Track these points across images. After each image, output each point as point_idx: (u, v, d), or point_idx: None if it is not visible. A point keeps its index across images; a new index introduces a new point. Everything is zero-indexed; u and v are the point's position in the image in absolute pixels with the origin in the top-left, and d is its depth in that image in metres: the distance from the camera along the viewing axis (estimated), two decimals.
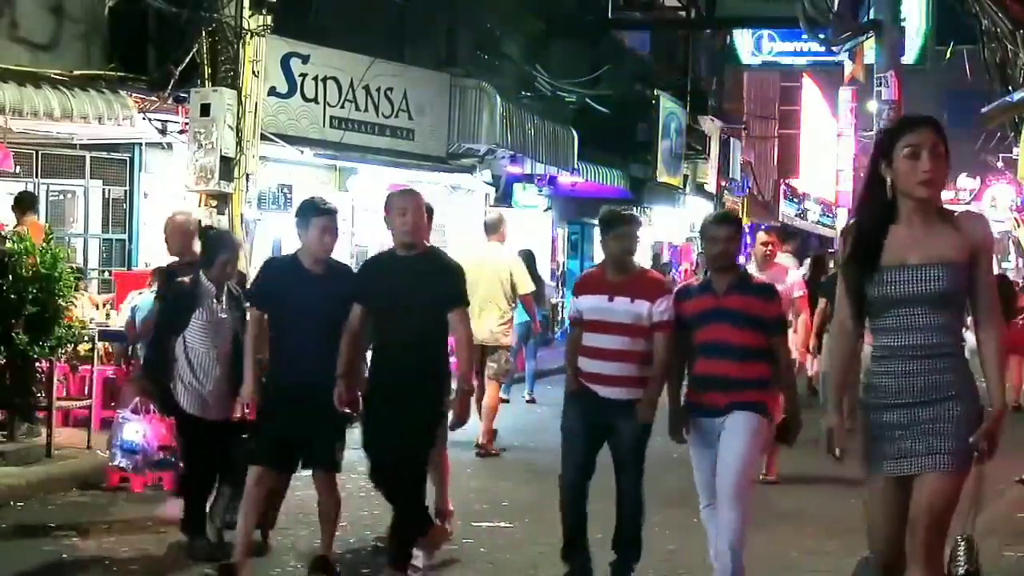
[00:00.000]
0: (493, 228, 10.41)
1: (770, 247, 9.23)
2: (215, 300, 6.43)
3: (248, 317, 6.15)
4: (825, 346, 10.29)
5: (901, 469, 3.99)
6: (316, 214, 5.92)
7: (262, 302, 6.04)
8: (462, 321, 5.88)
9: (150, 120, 11.67)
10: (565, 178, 20.13)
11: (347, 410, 5.89)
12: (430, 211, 6.70)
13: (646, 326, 5.79)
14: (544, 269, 22.36)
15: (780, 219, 33.30)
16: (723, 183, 29.63)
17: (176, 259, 7.28)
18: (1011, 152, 25.04)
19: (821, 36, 13.13)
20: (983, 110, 12.67)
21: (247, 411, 6.37)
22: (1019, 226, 33.90)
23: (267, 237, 13.35)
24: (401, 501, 5.84)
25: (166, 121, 11.91)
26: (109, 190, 12.72)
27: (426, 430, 5.88)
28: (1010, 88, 11.89)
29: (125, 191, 12.67)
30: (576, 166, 19.54)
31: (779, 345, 5.71)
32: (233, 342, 6.39)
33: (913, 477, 3.98)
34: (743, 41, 27.09)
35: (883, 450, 4.01)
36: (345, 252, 15.43)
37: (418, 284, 5.76)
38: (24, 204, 10.62)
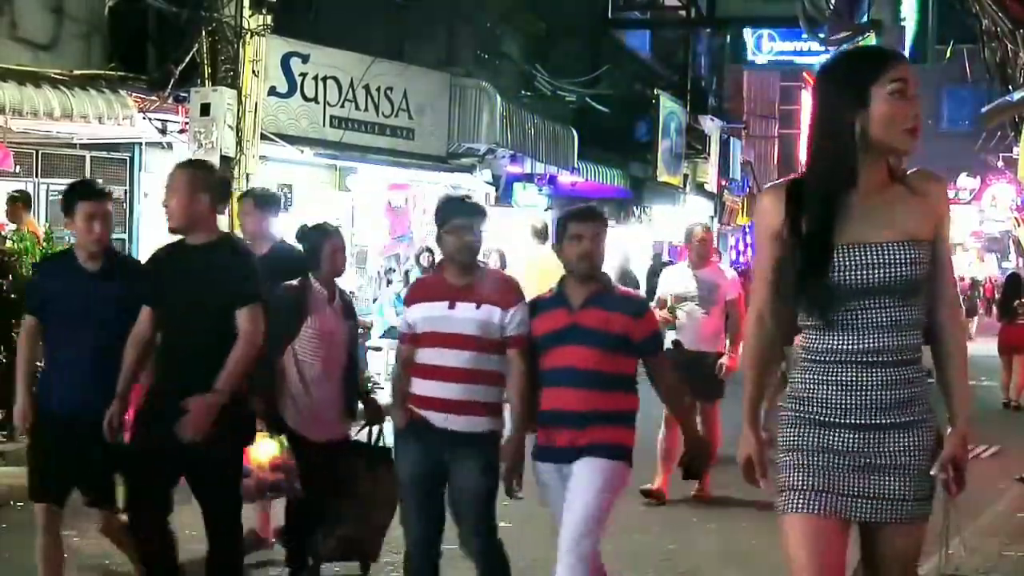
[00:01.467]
0: (543, 234, 11.43)
1: (706, 244, 8.68)
2: (328, 306, 5.73)
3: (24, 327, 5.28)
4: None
5: (852, 512, 3.08)
6: (80, 198, 5.16)
7: (34, 307, 5.21)
8: (250, 321, 4.80)
9: (150, 120, 11.68)
10: (565, 178, 20.12)
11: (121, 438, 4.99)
12: (218, 188, 5.36)
13: (497, 339, 4.76)
14: None
15: None
16: (723, 183, 29.64)
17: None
18: (1011, 151, 25.03)
19: (820, 36, 13.14)
20: (983, 109, 12.68)
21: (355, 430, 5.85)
22: (1019, 225, 33.88)
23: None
24: (215, 530, 4.93)
25: (166, 121, 11.91)
26: (109, 190, 12.71)
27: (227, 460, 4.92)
28: (1010, 87, 11.89)
29: (125, 191, 12.67)
30: (576, 166, 19.53)
31: (659, 366, 4.81)
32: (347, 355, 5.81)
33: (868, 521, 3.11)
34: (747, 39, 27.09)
35: (822, 483, 3.06)
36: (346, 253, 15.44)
37: (205, 280, 4.85)
38: (26, 203, 10.62)
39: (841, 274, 3.02)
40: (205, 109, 11.38)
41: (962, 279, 28.13)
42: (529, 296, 4.93)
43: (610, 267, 20.88)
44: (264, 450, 5.37)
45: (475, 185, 17.07)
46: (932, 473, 3.07)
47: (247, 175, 11.70)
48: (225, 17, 11.52)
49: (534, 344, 4.69)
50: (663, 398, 4.91)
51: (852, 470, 3.06)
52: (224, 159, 11.34)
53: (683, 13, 23.97)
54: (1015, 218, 35.92)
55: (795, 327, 3.20)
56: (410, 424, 4.85)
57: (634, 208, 24.78)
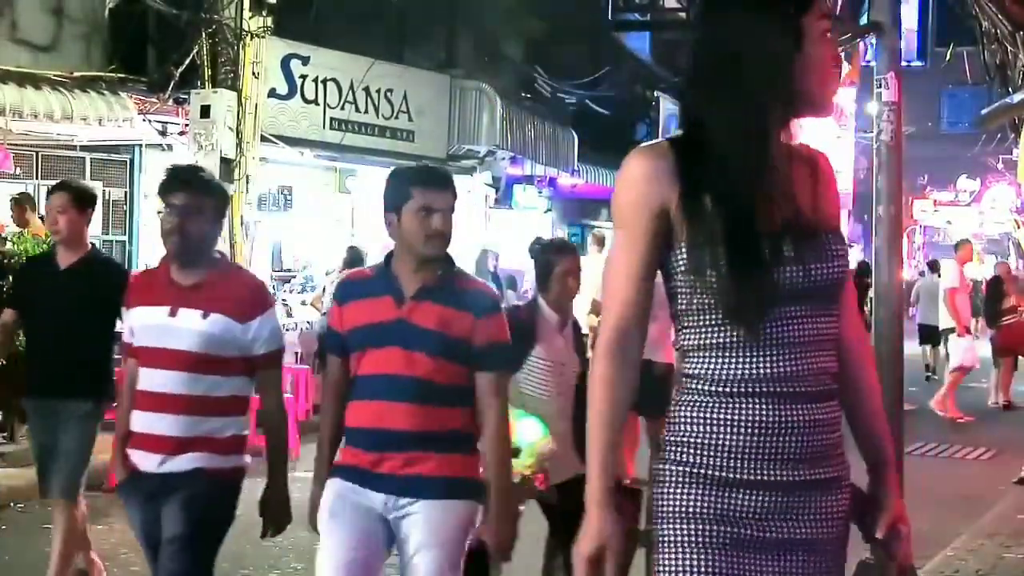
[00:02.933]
0: (603, 242, 12.66)
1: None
2: (559, 334, 4.97)
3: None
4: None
5: None
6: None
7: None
8: None
9: (150, 121, 11.69)
10: (565, 179, 20.14)
11: None
12: (88, 201, 5.28)
13: (235, 358, 3.79)
14: None
15: None
16: None
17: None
18: (1011, 153, 25.06)
19: None
20: (983, 112, 12.68)
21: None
22: (1019, 227, 33.91)
23: (267, 239, 13.37)
24: None
25: (166, 123, 11.93)
26: (109, 191, 12.72)
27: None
28: (1010, 90, 11.90)
29: (125, 192, 12.69)
30: (576, 167, 19.55)
31: (492, 391, 3.50)
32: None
33: None
34: None
35: (725, 568, 2.13)
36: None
37: (71, 295, 5.06)
38: (31, 205, 10.62)
39: (791, 274, 2.14)
40: (205, 111, 11.39)
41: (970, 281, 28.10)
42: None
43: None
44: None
45: (475, 187, 17.10)
46: (878, 536, 2.27)
47: (247, 177, 11.71)
48: (225, 19, 11.53)
49: (345, 340, 3.51)
50: (487, 432, 3.51)
51: (761, 548, 2.14)
52: (224, 161, 11.35)
53: (683, 15, 23.97)
54: (1015, 220, 35.93)
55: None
56: (129, 476, 3.84)
57: None
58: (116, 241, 12.81)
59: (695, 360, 2.19)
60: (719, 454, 2.14)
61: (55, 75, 10.96)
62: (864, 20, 6.04)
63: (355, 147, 14.47)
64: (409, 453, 3.40)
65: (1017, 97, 11.15)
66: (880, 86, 5.56)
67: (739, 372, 2.14)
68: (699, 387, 2.18)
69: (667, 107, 24.49)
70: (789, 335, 2.14)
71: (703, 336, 2.18)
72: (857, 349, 2.31)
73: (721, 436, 2.14)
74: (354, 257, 13.22)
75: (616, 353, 2.19)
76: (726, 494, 2.13)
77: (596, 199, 23.30)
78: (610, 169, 21.88)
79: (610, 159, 21.98)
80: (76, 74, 11.22)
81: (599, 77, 21.13)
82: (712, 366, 2.16)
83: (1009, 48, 11.93)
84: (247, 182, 11.71)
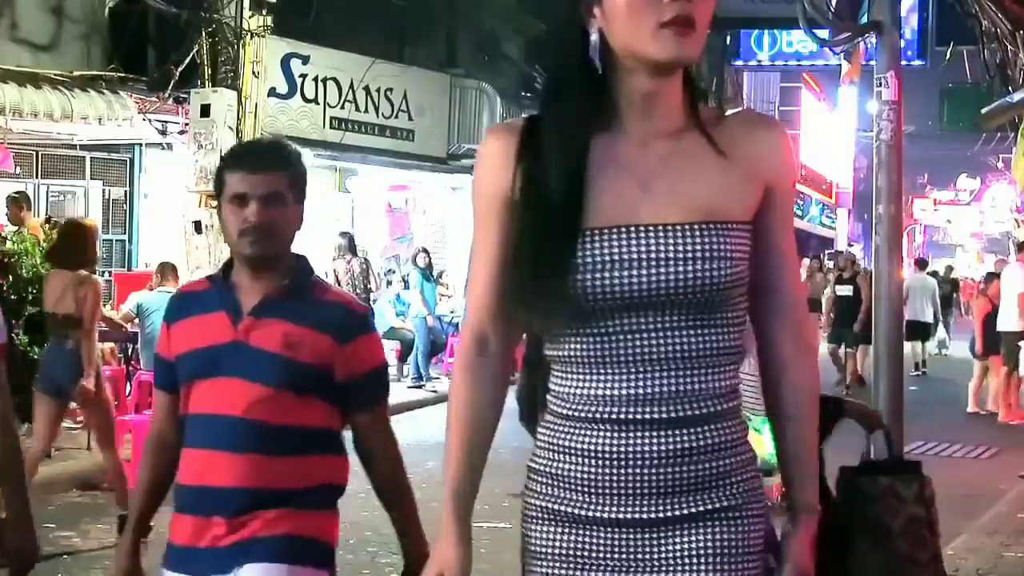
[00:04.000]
0: None
1: None
2: None
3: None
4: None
5: None
6: None
7: None
8: None
9: (150, 121, 11.70)
10: None
11: None
12: None
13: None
14: None
15: None
16: None
17: None
18: (1011, 152, 25.10)
19: (821, 36, 13.15)
20: (983, 111, 12.68)
21: None
22: (1019, 226, 33.97)
23: None
24: None
25: (166, 122, 11.93)
26: (109, 191, 12.74)
27: None
28: (1010, 88, 11.90)
29: (125, 192, 12.69)
30: None
31: (375, 430, 2.74)
32: None
33: None
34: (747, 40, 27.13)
35: None
36: None
37: None
38: (27, 204, 10.63)
39: (592, 275, 1.77)
40: (205, 110, 11.39)
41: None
42: None
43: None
44: None
45: None
46: None
47: None
48: (225, 18, 11.53)
49: (173, 369, 2.68)
50: (375, 485, 2.79)
51: None
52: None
53: None
54: (1015, 219, 36.00)
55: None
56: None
57: None
58: (116, 240, 12.81)
59: (553, 375, 1.90)
60: (564, 485, 1.85)
61: (55, 74, 10.97)
62: (864, 20, 6.04)
63: (355, 146, 14.47)
64: (236, 519, 2.54)
65: (1017, 96, 11.16)
66: (880, 85, 5.56)
67: (583, 392, 1.82)
68: (552, 407, 1.89)
69: None
70: (642, 351, 1.79)
71: (556, 347, 1.87)
72: (788, 369, 1.91)
73: (564, 464, 1.85)
74: (351, 241, 13.21)
75: (474, 365, 1.90)
76: (575, 532, 1.85)
77: None
78: None
79: None
80: (76, 73, 11.23)
81: None
82: (562, 384, 1.87)
83: (1009, 47, 11.94)
84: None
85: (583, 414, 1.83)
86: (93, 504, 7.68)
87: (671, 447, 1.81)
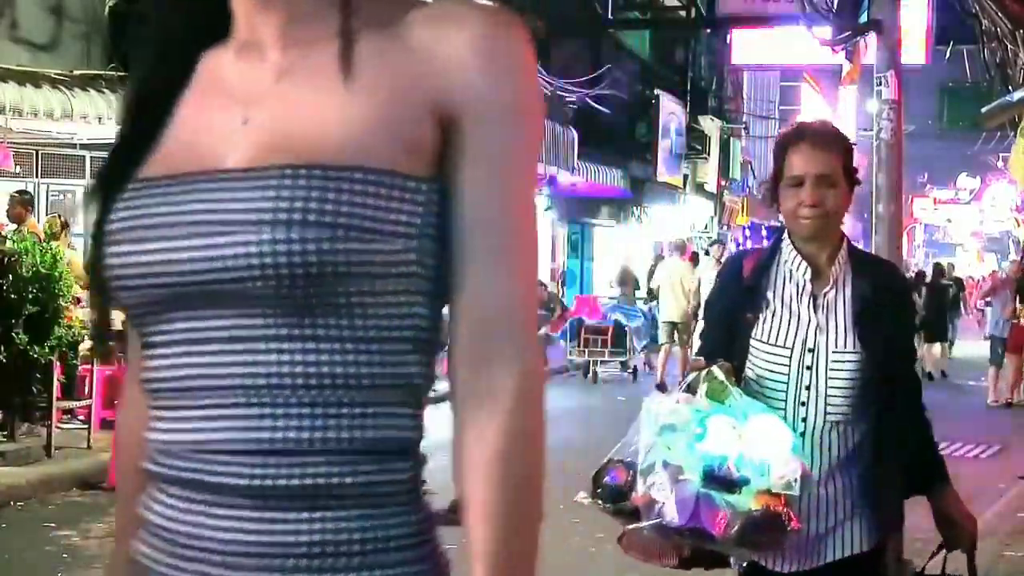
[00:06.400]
0: (684, 248, 14.44)
1: None
2: None
3: None
4: None
5: None
6: None
7: None
8: None
9: None
10: (565, 178, 20.15)
11: None
12: None
13: None
14: (544, 270, 22.42)
15: (780, 218, 33.37)
16: (723, 183, 29.68)
17: None
18: (1011, 152, 25.12)
19: (820, 37, 13.16)
20: (983, 110, 12.69)
21: None
22: (1020, 226, 33.95)
23: None
24: None
25: None
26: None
27: None
28: (1010, 88, 11.90)
29: None
30: (576, 166, 19.56)
31: None
32: None
33: None
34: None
35: None
36: None
37: None
38: (27, 204, 10.64)
39: (107, 250, 1.17)
40: None
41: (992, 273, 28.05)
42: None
43: (612, 266, 21.01)
44: None
45: None
46: None
47: None
48: None
49: None
50: None
51: None
52: None
53: (683, 13, 23.98)
54: (1015, 218, 35.99)
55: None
56: None
57: (634, 208, 24.82)
58: None
59: None
60: (147, 530, 1.19)
61: (55, 74, 10.97)
62: (864, 19, 6.04)
63: None
64: None
65: (1017, 95, 11.16)
66: (880, 84, 5.56)
67: (149, 436, 1.19)
68: None
69: (666, 105, 24.51)
70: (169, 371, 1.15)
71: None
72: (466, 433, 1.13)
73: (149, 510, 1.19)
74: None
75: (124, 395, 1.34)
76: None
77: (596, 197, 23.32)
78: (610, 167, 21.90)
79: (610, 157, 22.00)
80: (76, 73, 11.23)
81: (599, 76, 21.13)
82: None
83: (1009, 46, 11.94)
84: None
85: (149, 468, 1.18)
86: (93, 504, 7.68)
87: (248, 535, 1.10)
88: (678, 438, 2.47)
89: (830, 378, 2.71)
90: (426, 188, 1.13)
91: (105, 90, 11.15)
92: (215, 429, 1.11)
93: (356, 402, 1.11)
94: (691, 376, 2.60)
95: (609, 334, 16.69)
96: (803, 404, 2.72)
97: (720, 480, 2.40)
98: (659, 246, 26.42)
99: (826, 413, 2.70)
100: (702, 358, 2.71)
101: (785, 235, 2.83)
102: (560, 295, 20.93)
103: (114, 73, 11.55)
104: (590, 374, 16.48)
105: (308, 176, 1.09)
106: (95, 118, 10.86)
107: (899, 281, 2.97)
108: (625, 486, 2.45)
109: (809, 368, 2.72)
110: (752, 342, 2.76)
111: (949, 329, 19.42)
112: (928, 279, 19.56)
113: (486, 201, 1.14)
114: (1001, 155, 31.50)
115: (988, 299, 17.12)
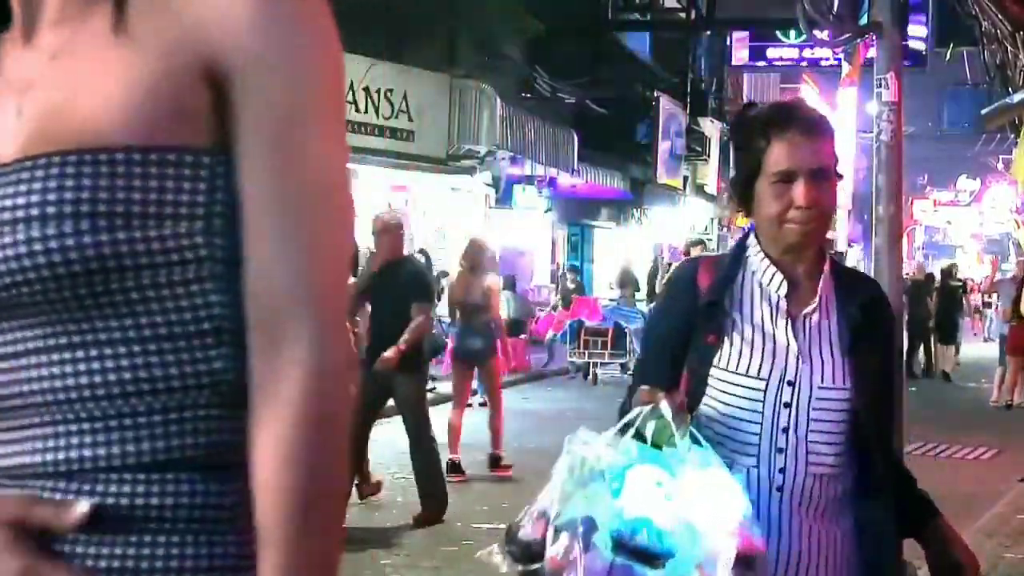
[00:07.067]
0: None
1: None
2: None
3: None
4: None
5: None
6: None
7: None
8: None
9: None
10: (565, 179, 20.16)
11: None
12: None
13: None
14: (544, 270, 22.40)
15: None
16: (723, 184, 29.68)
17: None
18: (1011, 153, 25.12)
19: (821, 37, 13.16)
20: (983, 112, 12.69)
21: None
22: (1020, 228, 33.98)
23: None
24: None
25: None
26: None
27: None
28: (1010, 90, 11.90)
29: None
30: (576, 167, 19.56)
31: None
32: None
33: None
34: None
35: None
36: None
37: None
38: None
39: None
40: None
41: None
42: None
43: (612, 268, 20.87)
44: None
45: (475, 187, 17.11)
46: None
47: None
48: None
49: None
50: None
51: None
52: None
53: (683, 14, 24.00)
54: (1015, 220, 36.02)
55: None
56: None
57: (634, 210, 24.83)
58: None
59: None
60: None
61: None
62: (864, 21, 6.05)
63: (355, 147, 14.46)
64: None
65: (1017, 97, 11.16)
66: (880, 86, 5.56)
67: None
68: None
69: (666, 107, 24.51)
70: None
71: None
72: (257, 431, 1.00)
73: None
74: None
75: None
76: None
77: (596, 199, 23.33)
78: (610, 169, 21.90)
79: (610, 159, 22.00)
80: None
81: (599, 77, 21.14)
82: None
83: (1009, 48, 11.95)
84: None
85: None
86: None
87: None
88: (600, 491, 1.95)
89: (813, 419, 2.20)
90: (210, 161, 1.00)
91: None
92: (6, 455, 1.01)
93: (155, 410, 0.99)
94: (635, 412, 2.04)
95: (609, 336, 16.71)
96: (780, 451, 2.19)
97: (635, 551, 1.90)
98: (658, 247, 26.47)
99: (807, 463, 2.19)
100: (657, 389, 2.07)
101: (751, 240, 2.31)
102: (572, 288, 19.75)
103: None
104: (590, 376, 16.50)
105: (77, 163, 0.98)
106: None
107: (887, 304, 2.45)
108: (539, 544, 1.97)
109: (788, 406, 2.20)
110: (713, 371, 2.22)
111: (957, 329, 19.45)
112: (937, 281, 19.60)
113: (268, 169, 1.00)
114: (1001, 157, 31.53)
115: (988, 298, 17.19)
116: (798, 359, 2.21)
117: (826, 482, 2.21)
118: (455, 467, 8.80)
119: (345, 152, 1.06)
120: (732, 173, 2.31)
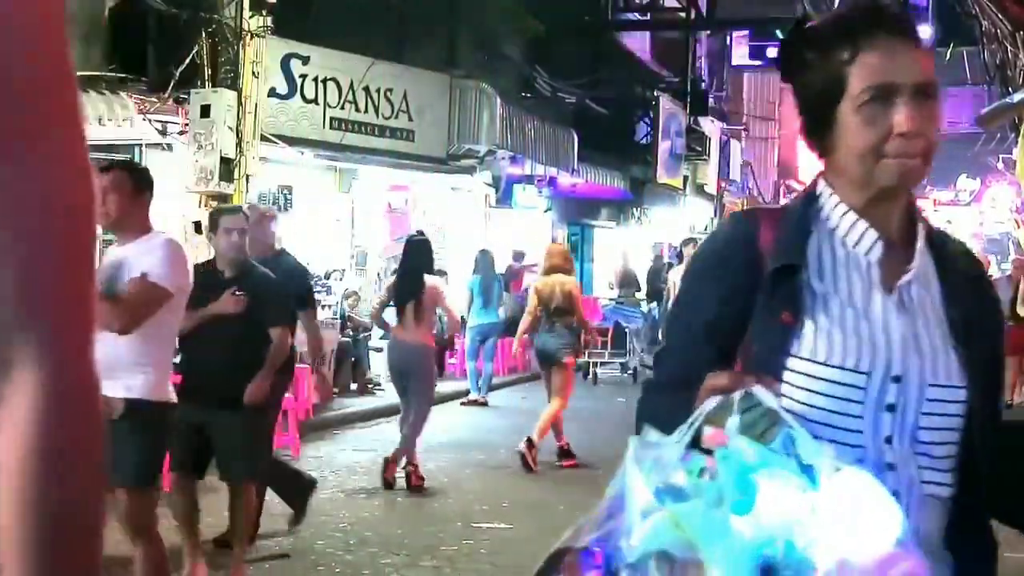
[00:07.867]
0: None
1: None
2: None
3: None
4: None
5: None
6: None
7: None
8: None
9: (150, 121, 11.69)
10: (565, 179, 20.15)
11: None
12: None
13: None
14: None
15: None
16: (723, 184, 29.66)
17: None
18: (1011, 153, 25.11)
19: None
20: (983, 111, 12.70)
21: None
22: (1019, 227, 33.96)
23: None
24: None
25: (166, 122, 11.92)
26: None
27: None
28: (1010, 89, 11.91)
29: None
30: (576, 167, 19.56)
31: None
32: None
33: None
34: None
35: None
36: (345, 253, 15.47)
37: None
38: None
39: None
40: (205, 111, 11.39)
41: None
42: None
43: (612, 268, 20.82)
44: None
45: (475, 187, 17.11)
46: None
47: (247, 176, 11.71)
48: (225, 19, 11.54)
49: None
50: None
51: None
52: (224, 160, 11.35)
53: (683, 14, 24.00)
54: (1015, 220, 35.99)
55: None
56: None
57: (634, 210, 24.82)
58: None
59: None
60: None
61: None
62: None
63: (355, 147, 14.46)
64: None
65: (1017, 97, 11.16)
66: None
67: None
68: None
69: (666, 107, 24.50)
70: None
71: None
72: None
73: None
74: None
75: None
76: None
77: (596, 199, 23.31)
78: (610, 169, 21.89)
79: (610, 159, 21.99)
80: (76, 74, 11.23)
81: (599, 77, 21.14)
82: None
83: (1009, 48, 11.95)
84: (247, 182, 11.71)
85: None
86: None
87: None
88: (695, 509, 1.37)
89: (923, 427, 1.67)
90: None
91: (105, 91, 11.15)
92: None
93: None
94: (710, 404, 1.49)
95: (609, 335, 16.70)
96: (890, 467, 1.65)
97: None
98: (658, 247, 26.46)
99: (922, 480, 1.69)
100: (725, 374, 1.55)
101: (822, 187, 1.76)
102: None
103: (114, 74, 11.54)
104: (590, 375, 16.49)
105: None
106: (95, 119, 10.86)
107: (987, 275, 1.88)
108: None
109: (891, 409, 1.65)
110: (791, 361, 1.65)
111: None
112: None
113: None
114: (1001, 157, 31.49)
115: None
116: (905, 347, 1.67)
117: (939, 511, 1.77)
118: (564, 453, 9.57)
119: (80, 138, 0.94)
120: (796, 103, 1.76)
